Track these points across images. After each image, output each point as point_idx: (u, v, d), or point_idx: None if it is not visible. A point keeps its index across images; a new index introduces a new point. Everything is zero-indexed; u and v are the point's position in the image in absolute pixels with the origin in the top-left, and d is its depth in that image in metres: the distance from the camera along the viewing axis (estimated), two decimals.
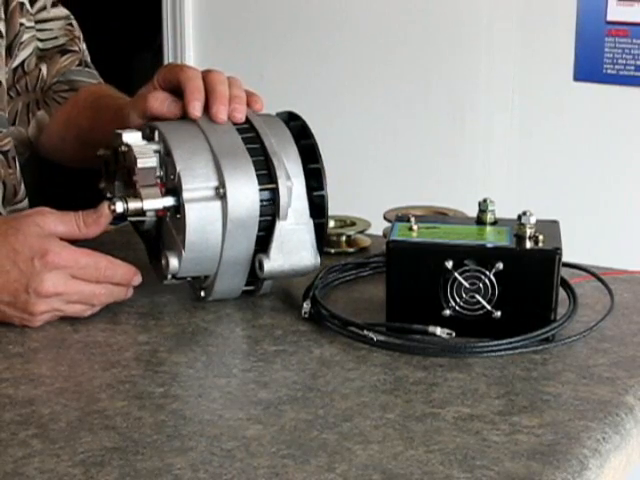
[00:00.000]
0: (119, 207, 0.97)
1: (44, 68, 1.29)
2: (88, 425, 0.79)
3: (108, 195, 1.03)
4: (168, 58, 2.80)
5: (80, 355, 0.92)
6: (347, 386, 0.86)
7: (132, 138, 0.99)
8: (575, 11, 2.41)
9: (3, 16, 1.23)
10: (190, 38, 2.85)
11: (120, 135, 0.99)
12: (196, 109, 1.01)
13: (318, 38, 2.69)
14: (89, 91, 1.29)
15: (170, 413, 0.81)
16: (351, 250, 1.18)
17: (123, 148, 0.99)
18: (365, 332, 0.93)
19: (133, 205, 0.97)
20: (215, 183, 0.97)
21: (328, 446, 0.76)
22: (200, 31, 2.84)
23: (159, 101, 1.04)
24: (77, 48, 1.33)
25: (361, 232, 1.21)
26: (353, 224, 1.21)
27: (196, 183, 0.96)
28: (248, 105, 1.03)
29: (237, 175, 0.97)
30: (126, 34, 3.24)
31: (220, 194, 0.96)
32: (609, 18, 2.39)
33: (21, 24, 1.27)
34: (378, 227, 1.18)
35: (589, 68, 2.42)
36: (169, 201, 0.97)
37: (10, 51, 1.26)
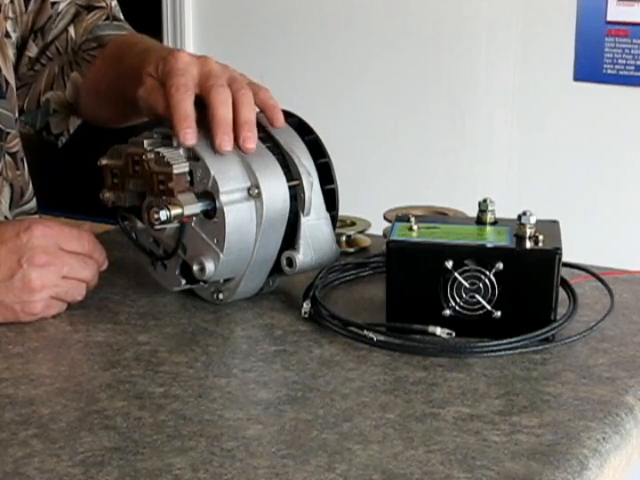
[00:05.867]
0: (163, 215, 0.96)
1: (71, 29, 1.28)
2: (88, 425, 0.79)
3: (110, 204, 1.03)
4: None
5: (80, 355, 0.92)
6: (347, 386, 0.86)
7: (154, 145, 0.99)
8: (575, 11, 2.41)
9: (11, 15, 1.23)
10: (190, 38, 2.85)
11: (142, 142, 0.99)
12: (187, 139, 0.96)
13: (318, 38, 2.69)
14: (115, 44, 1.27)
15: (170, 413, 0.81)
16: (351, 250, 1.18)
17: (149, 156, 0.98)
18: (365, 332, 0.93)
19: (175, 212, 0.97)
20: (247, 184, 0.98)
21: (328, 446, 0.76)
22: (200, 31, 2.84)
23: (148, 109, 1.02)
24: (104, 4, 1.30)
25: (361, 232, 1.21)
26: (353, 224, 1.21)
27: (230, 185, 0.97)
28: (268, 120, 1.00)
29: (267, 174, 0.98)
30: None
31: (254, 194, 0.97)
32: (609, 18, 2.39)
33: (54, 3, 1.26)
34: (378, 227, 1.18)
35: (589, 68, 2.42)
36: (206, 205, 0.97)
37: (43, 32, 1.26)
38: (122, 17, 1.33)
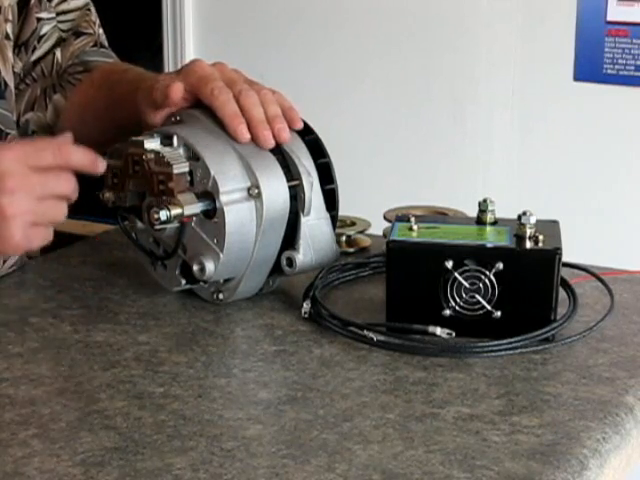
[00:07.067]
0: (163, 215, 0.96)
1: (58, 52, 1.28)
2: (88, 425, 0.79)
3: (110, 204, 1.03)
4: (168, 58, 2.80)
5: (80, 355, 0.92)
6: (347, 386, 0.86)
7: (154, 145, 0.99)
8: (575, 11, 2.41)
9: (11, 17, 1.23)
10: (190, 38, 2.85)
11: (142, 142, 0.99)
12: (244, 133, 0.99)
13: (318, 38, 2.69)
14: (103, 69, 1.28)
15: (170, 413, 0.81)
16: (351, 250, 1.18)
17: (149, 156, 0.98)
18: (365, 332, 0.93)
19: (175, 212, 0.97)
20: (247, 184, 0.98)
21: (328, 446, 0.76)
22: (200, 31, 2.84)
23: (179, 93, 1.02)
24: (92, 31, 1.31)
25: (361, 232, 1.21)
26: (353, 224, 1.21)
27: (230, 185, 0.97)
28: (287, 122, 1.01)
29: (267, 174, 0.98)
30: (126, 34, 3.24)
31: (254, 194, 0.97)
32: (609, 18, 2.38)
33: (39, 19, 1.26)
34: (378, 227, 1.18)
35: (589, 68, 2.42)
36: (205, 205, 0.97)
37: (26, 47, 1.26)
38: (107, 45, 1.34)
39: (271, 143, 1.00)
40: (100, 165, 0.99)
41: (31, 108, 1.28)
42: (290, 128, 1.02)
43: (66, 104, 1.27)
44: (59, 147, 0.96)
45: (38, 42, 1.27)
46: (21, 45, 1.26)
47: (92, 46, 1.31)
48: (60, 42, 1.29)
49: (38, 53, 1.28)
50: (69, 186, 0.96)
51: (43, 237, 0.96)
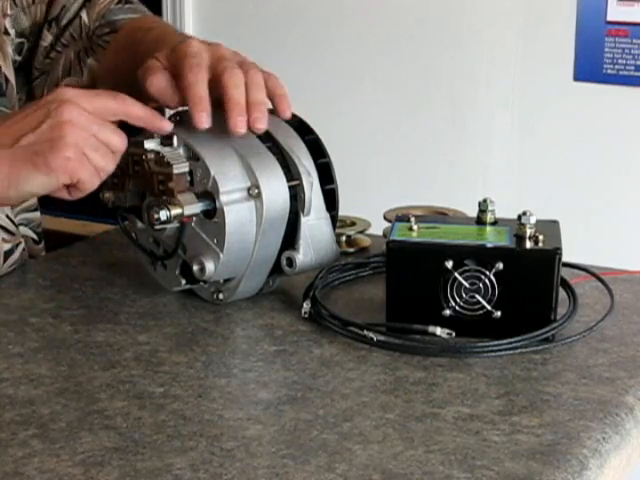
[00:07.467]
0: (163, 215, 0.96)
1: (84, 14, 1.27)
2: (88, 425, 0.79)
3: (110, 204, 1.03)
4: None
5: (80, 355, 0.92)
6: (347, 386, 0.86)
7: (153, 145, 0.99)
8: (575, 11, 2.41)
9: (9, 12, 1.23)
10: None
11: (142, 142, 0.99)
12: (202, 122, 0.96)
13: (318, 38, 2.69)
14: (128, 28, 1.25)
15: (170, 413, 0.81)
16: (351, 250, 1.18)
17: (149, 156, 0.98)
18: (365, 332, 0.93)
19: (175, 212, 0.96)
20: (247, 184, 0.98)
21: (328, 446, 0.76)
22: (200, 31, 2.84)
23: (155, 88, 1.00)
24: None
25: (361, 232, 1.21)
26: (353, 224, 1.21)
27: (230, 185, 0.97)
28: (275, 111, 0.99)
29: (267, 174, 0.98)
30: None
31: (254, 194, 0.97)
32: (609, 18, 2.39)
33: None
34: (378, 227, 1.18)
35: (589, 68, 2.42)
36: (206, 205, 0.97)
37: (57, 21, 1.25)
38: None
39: (241, 131, 0.96)
40: (164, 124, 0.98)
41: (68, 73, 1.27)
42: (279, 116, 1.00)
43: (99, 68, 1.26)
44: (118, 95, 0.96)
45: (68, 5, 1.26)
46: (51, 20, 1.26)
47: (117, 3, 1.29)
48: (86, 1, 1.28)
49: (67, 16, 1.26)
50: (121, 141, 0.96)
51: (89, 175, 0.95)
